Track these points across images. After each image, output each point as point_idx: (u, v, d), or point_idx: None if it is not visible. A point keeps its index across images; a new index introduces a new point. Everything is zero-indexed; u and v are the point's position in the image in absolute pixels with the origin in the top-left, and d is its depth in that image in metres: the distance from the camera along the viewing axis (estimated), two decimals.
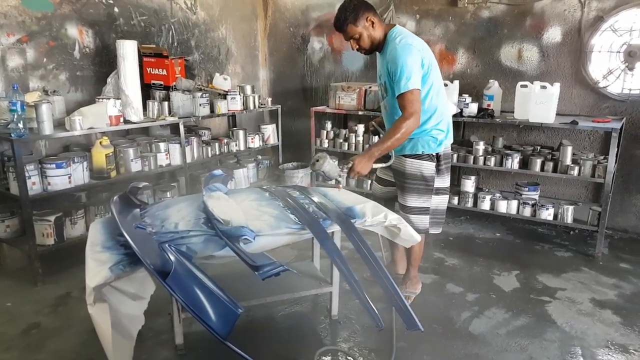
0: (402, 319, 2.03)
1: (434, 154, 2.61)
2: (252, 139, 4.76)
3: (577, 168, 3.59)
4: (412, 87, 2.36)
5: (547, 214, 3.73)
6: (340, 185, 2.57)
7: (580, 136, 4.04)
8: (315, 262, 2.98)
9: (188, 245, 2.01)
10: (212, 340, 1.71)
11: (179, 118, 3.92)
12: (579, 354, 2.45)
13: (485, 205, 3.96)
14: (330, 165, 2.47)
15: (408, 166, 2.62)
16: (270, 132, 4.97)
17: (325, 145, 4.74)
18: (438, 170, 2.65)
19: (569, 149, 3.64)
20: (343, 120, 5.00)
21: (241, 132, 4.68)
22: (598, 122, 3.61)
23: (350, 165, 2.45)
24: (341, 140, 4.68)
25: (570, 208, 3.70)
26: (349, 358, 2.39)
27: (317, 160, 2.46)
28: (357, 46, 2.52)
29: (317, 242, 2.52)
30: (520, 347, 2.49)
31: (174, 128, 4.06)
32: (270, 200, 2.50)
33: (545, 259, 3.54)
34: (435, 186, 2.66)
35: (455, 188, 4.20)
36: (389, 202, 2.88)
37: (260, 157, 5.08)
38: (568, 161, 3.64)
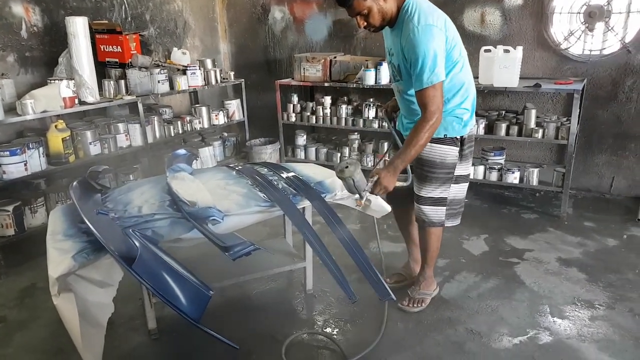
0: (374, 289, 2.07)
1: (458, 137, 2.29)
2: (216, 115, 4.67)
3: (541, 131, 3.66)
4: (435, 80, 2.04)
5: (513, 178, 3.83)
6: (362, 201, 2.12)
7: (543, 99, 4.11)
8: (288, 238, 2.99)
9: (153, 229, 1.98)
10: (186, 323, 1.69)
11: (137, 97, 3.80)
12: (547, 312, 2.55)
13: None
14: (361, 175, 2.08)
15: (427, 152, 2.27)
16: (235, 108, 4.90)
17: (293, 119, 4.70)
18: (461, 156, 2.35)
19: (533, 112, 3.72)
20: (309, 92, 4.95)
21: (204, 109, 4.59)
22: (560, 84, 3.68)
23: (375, 179, 2.11)
24: (308, 114, 4.65)
25: (536, 171, 3.80)
26: (320, 337, 2.42)
27: (347, 167, 2.06)
28: (365, 24, 2.14)
29: (288, 218, 2.51)
30: (491, 308, 2.58)
31: (133, 107, 3.95)
32: (238, 179, 2.48)
33: (513, 222, 3.64)
34: (455, 174, 2.36)
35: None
36: (403, 200, 2.55)
37: (226, 134, 5.01)
38: (532, 124, 3.71)
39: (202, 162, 4.39)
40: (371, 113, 4.35)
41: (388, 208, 2.59)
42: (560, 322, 2.47)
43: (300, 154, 4.78)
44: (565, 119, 3.78)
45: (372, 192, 2.12)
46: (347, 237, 2.18)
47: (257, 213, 2.22)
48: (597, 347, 2.28)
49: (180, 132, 4.34)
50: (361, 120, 4.39)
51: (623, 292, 2.70)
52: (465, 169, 2.43)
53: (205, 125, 4.60)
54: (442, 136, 2.26)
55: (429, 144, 2.22)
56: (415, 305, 2.55)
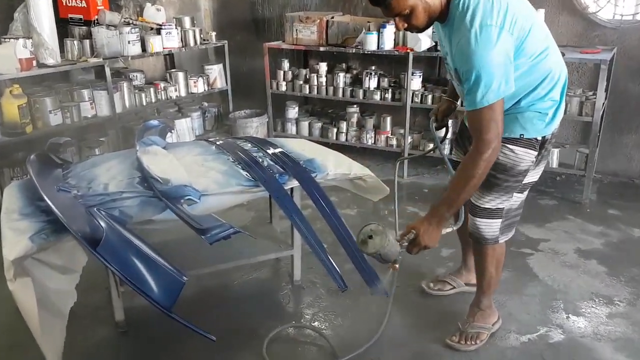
0: (366, 282, 2.12)
1: (539, 138, 2.05)
2: (194, 82, 4.68)
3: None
4: (493, 99, 1.80)
5: None
6: (397, 266, 1.94)
7: (567, 69, 4.13)
8: (275, 223, 3.04)
9: (121, 209, 2.01)
10: (157, 315, 1.74)
11: (104, 59, 3.80)
12: (560, 308, 2.63)
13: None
14: (390, 243, 1.86)
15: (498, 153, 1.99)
16: (217, 74, 4.90)
17: (283, 88, 4.71)
18: (537, 161, 2.14)
19: None
20: (303, 57, 4.95)
21: (181, 75, 4.59)
22: (587, 53, 3.71)
23: (412, 236, 1.92)
24: (301, 82, 4.66)
25: (556, 151, 3.85)
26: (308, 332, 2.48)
27: (371, 237, 1.85)
28: (406, 25, 1.91)
29: (274, 201, 2.54)
30: (499, 303, 2.64)
31: (99, 72, 3.95)
32: (218, 155, 2.50)
33: (528, 208, 3.63)
34: (524, 181, 2.16)
35: (430, 135, 4.28)
36: None
37: (206, 104, 5.02)
38: None
39: (177, 135, 4.42)
40: (372, 83, 4.38)
41: (386, 189, 2.62)
42: (575, 319, 2.54)
43: (291, 129, 4.81)
44: (591, 93, 3.81)
45: (409, 252, 1.95)
46: (339, 224, 2.23)
47: (238, 193, 2.24)
48: (614, 346, 2.36)
49: (154, 101, 4.35)
50: (361, 91, 4.41)
51: None
52: (536, 173, 2.20)
53: (182, 94, 4.61)
54: (518, 136, 2.02)
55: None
56: (468, 342, 2.34)
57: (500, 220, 2.19)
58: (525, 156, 2.05)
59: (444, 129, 2.50)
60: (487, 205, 2.16)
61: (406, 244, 1.91)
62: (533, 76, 1.97)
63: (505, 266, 2.93)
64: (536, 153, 2.07)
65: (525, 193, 2.25)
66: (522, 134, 2.02)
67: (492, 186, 2.10)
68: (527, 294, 2.74)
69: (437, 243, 1.94)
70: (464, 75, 1.84)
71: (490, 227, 2.20)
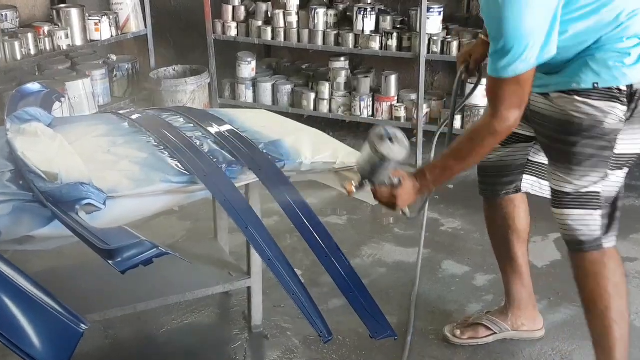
0: (363, 322, 2.13)
1: (622, 87, 2.09)
2: (96, 24, 4.65)
3: None
4: (520, 71, 1.98)
5: None
6: (358, 192, 2.20)
7: None
8: (221, 239, 3.03)
9: None
10: None
11: None
12: None
13: None
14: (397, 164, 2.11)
15: (570, 109, 2.11)
16: (130, 11, 4.86)
17: (233, 32, 4.71)
18: (631, 119, 2.14)
19: None
20: None
21: (75, 13, 4.55)
22: None
23: (396, 182, 2.14)
24: (260, 23, 4.67)
25: None
26: None
27: (391, 140, 2.06)
28: None
29: (220, 205, 2.53)
30: (561, 356, 2.67)
31: None
32: (133, 135, 2.49)
33: None
34: (617, 151, 2.16)
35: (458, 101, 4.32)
36: (498, 177, 2.56)
37: (114, 57, 5.02)
38: None
39: (71, 105, 4.39)
40: (368, 24, 4.39)
41: None
42: None
43: (246, 94, 4.83)
44: None
45: (374, 194, 2.19)
46: (321, 238, 2.22)
47: (165, 194, 2.24)
48: None
49: (33, 52, 4.32)
50: (351, 36, 4.43)
51: None
52: (636, 142, 2.19)
53: (78, 42, 4.59)
54: (592, 86, 2.07)
55: (572, 98, 2.09)
56: None
57: (600, 211, 2.20)
58: (607, 109, 2.08)
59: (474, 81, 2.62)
60: (574, 189, 2.19)
61: (386, 182, 2.13)
62: (601, 16, 2.02)
63: (569, 299, 2.97)
64: (624, 108, 2.09)
65: (624, 172, 2.24)
66: (596, 83, 2.07)
67: (573, 157, 2.15)
68: None
69: (401, 207, 2.17)
70: (489, 32, 2.02)
71: (585, 221, 2.21)
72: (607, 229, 2.22)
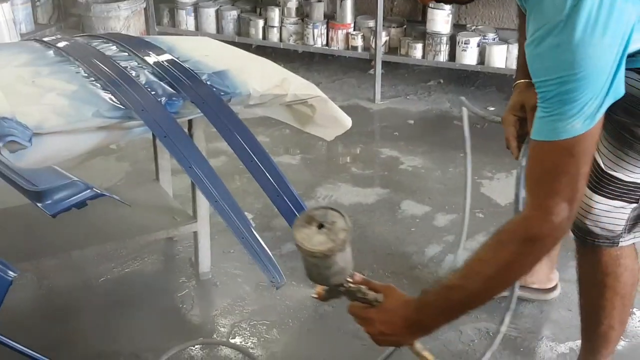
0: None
1: None
2: None
3: None
4: (582, 129, 1.46)
5: None
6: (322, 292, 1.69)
7: None
8: (164, 180, 3.00)
9: None
10: None
11: None
12: None
13: (470, 56, 4.04)
14: (343, 257, 1.56)
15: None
16: None
17: None
18: None
19: None
20: None
21: None
22: None
23: (376, 299, 1.62)
24: None
25: None
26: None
27: (322, 226, 1.53)
28: None
29: (161, 143, 2.47)
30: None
31: None
32: (60, 65, 2.42)
33: None
34: None
35: (418, 28, 4.29)
36: None
37: None
38: None
39: None
40: None
41: (348, 122, 2.62)
42: None
43: (187, 21, 4.80)
44: None
45: (350, 312, 1.64)
46: (274, 177, 2.17)
47: (98, 130, 2.20)
48: None
49: None
50: None
51: None
52: None
53: None
54: None
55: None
56: None
57: (633, 205, 2.03)
58: None
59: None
60: (620, 174, 1.98)
61: (361, 296, 1.62)
62: None
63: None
64: None
65: None
66: None
67: (625, 141, 1.92)
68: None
69: (394, 345, 1.78)
70: (539, 80, 1.50)
71: (611, 214, 2.04)
72: (632, 226, 2.08)
